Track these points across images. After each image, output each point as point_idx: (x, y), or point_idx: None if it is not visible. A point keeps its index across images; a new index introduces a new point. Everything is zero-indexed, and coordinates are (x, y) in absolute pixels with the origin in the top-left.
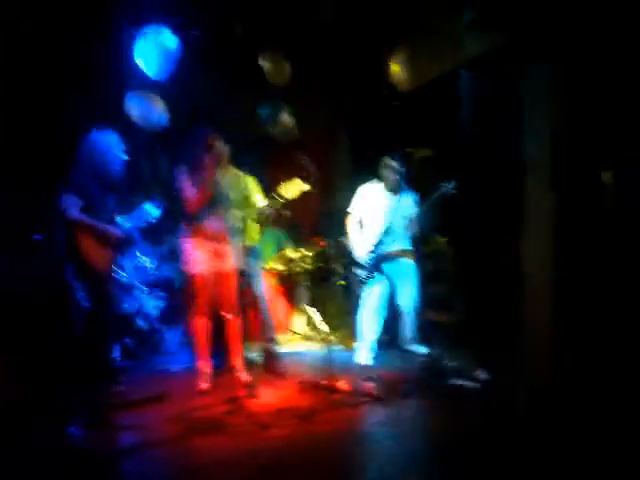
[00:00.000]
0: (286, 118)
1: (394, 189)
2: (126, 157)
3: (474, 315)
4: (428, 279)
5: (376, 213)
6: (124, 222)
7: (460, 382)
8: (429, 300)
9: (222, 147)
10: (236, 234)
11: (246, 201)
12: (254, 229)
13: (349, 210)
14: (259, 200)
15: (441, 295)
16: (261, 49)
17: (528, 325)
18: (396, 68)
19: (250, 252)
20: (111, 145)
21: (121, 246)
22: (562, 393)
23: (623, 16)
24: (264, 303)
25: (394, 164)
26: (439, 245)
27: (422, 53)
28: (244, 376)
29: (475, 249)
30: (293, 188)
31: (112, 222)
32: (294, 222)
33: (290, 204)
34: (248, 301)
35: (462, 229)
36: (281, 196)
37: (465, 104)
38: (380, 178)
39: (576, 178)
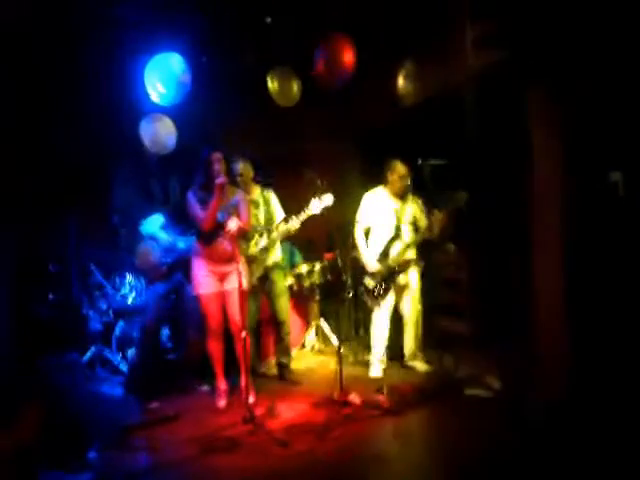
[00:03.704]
0: None
1: (400, 193)
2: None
3: (488, 323)
4: (441, 287)
5: (383, 218)
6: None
7: (473, 391)
8: (442, 309)
9: (244, 167)
10: (263, 251)
11: (272, 218)
12: (277, 247)
13: (356, 219)
14: (279, 216)
15: (454, 304)
16: (268, 70)
17: (541, 332)
18: (403, 81)
19: (274, 269)
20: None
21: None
22: (578, 401)
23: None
24: (286, 321)
25: (401, 167)
26: (450, 252)
27: (430, 66)
28: (250, 397)
29: (487, 257)
30: (312, 211)
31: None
32: (307, 237)
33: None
34: (266, 318)
35: (473, 237)
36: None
37: (474, 116)
38: (386, 183)
39: (586, 185)
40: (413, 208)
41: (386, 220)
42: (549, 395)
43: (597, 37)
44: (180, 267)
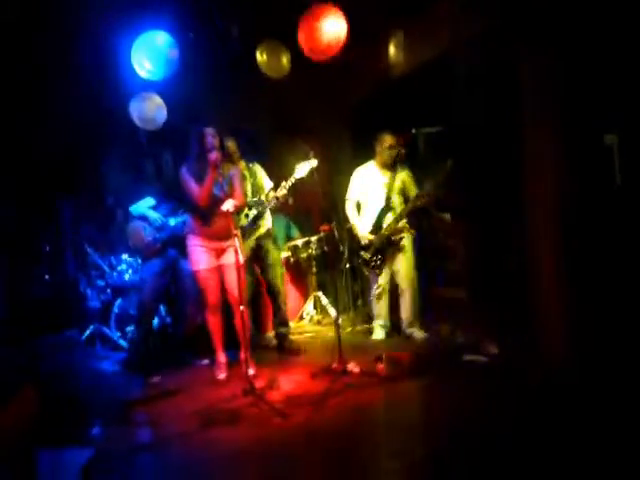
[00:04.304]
0: None
1: (389, 165)
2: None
3: (485, 291)
4: (437, 256)
5: (373, 192)
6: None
7: (472, 358)
8: (439, 277)
9: (228, 142)
10: (253, 223)
11: (259, 190)
12: (267, 217)
13: (346, 197)
14: (268, 187)
15: (451, 272)
16: (257, 43)
17: (539, 298)
18: (394, 50)
19: (266, 238)
20: None
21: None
22: (576, 366)
23: None
24: (281, 291)
25: (388, 138)
26: (445, 221)
27: (419, 34)
28: (249, 369)
29: (482, 224)
30: (299, 174)
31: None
32: (302, 210)
33: (297, 192)
34: (263, 290)
35: (469, 205)
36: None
37: (465, 83)
38: (375, 155)
39: (581, 149)
40: (402, 178)
41: (376, 192)
42: (547, 360)
43: None
44: (174, 244)
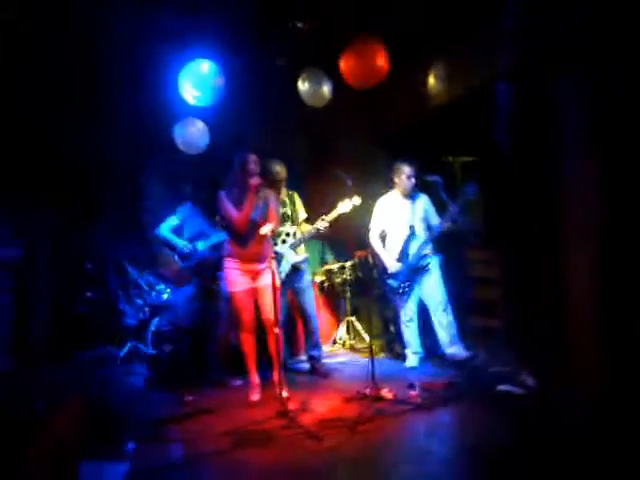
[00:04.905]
0: None
1: (410, 193)
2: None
3: (521, 321)
4: (472, 285)
5: (397, 220)
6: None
7: (507, 388)
8: (475, 305)
9: (278, 168)
10: (290, 249)
11: (296, 217)
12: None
13: (370, 226)
14: (302, 217)
15: (487, 300)
16: (299, 71)
17: (575, 329)
18: (434, 79)
19: (301, 265)
20: None
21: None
22: (613, 398)
23: None
24: (314, 315)
25: (405, 168)
26: (479, 249)
27: (460, 63)
28: (283, 391)
29: (519, 254)
30: (341, 210)
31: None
32: (337, 235)
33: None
34: (296, 314)
35: (504, 233)
36: (330, 219)
37: (503, 113)
38: (394, 186)
39: (622, 174)
40: (423, 205)
41: (399, 220)
42: (584, 391)
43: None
44: (205, 268)
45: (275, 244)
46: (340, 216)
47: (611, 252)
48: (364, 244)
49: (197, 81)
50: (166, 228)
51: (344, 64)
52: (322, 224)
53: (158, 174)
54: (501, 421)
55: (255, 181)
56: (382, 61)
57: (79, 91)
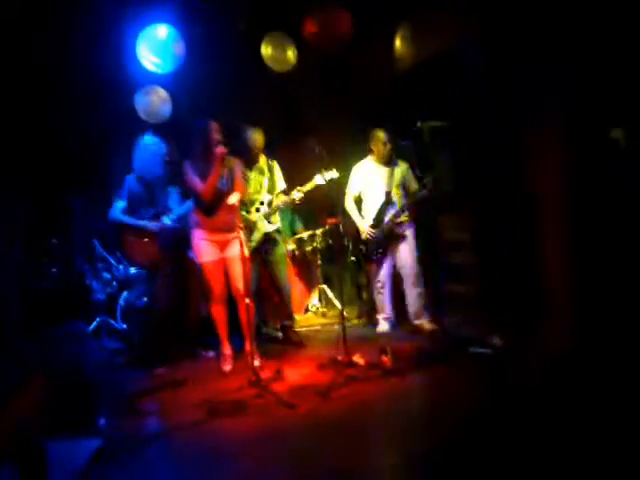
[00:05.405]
0: None
1: (386, 160)
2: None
3: (491, 284)
4: (443, 249)
5: (372, 186)
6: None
7: (476, 350)
8: (448, 271)
9: (256, 135)
10: (264, 217)
11: (274, 186)
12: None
13: (345, 190)
14: (280, 187)
15: (458, 265)
16: (262, 37)
17: (546, 290)
18: (400, 41)
19: (275, 235)
20: (155, 148)
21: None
22: (581, 359)
23: None
24: (287, 285)
25: (381, 134)
26: (451, 216)
27: (425, 27)
28: (255, 361)
29: (489, 218)
30: (318, 181)
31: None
32: (307, 204)
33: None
34: (268, 284)
35: (476, 199)
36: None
37: (470, 76)
38: (371, 152)
39: (588, 137)
40: (402, 172)
41: (375, 187)
42: (553, 351)
43: None
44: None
45: (248, 212)
46: (315, 187)
47: (584, 217)
48: (335, 212)
49: (156, 47)
50: (117, 211)
51: (306, 30)
52: (298, 195)
53: (123, 147)
54: (470, 382)
55: (220, 150)
56: (346, 26)
57: (35, 59)
